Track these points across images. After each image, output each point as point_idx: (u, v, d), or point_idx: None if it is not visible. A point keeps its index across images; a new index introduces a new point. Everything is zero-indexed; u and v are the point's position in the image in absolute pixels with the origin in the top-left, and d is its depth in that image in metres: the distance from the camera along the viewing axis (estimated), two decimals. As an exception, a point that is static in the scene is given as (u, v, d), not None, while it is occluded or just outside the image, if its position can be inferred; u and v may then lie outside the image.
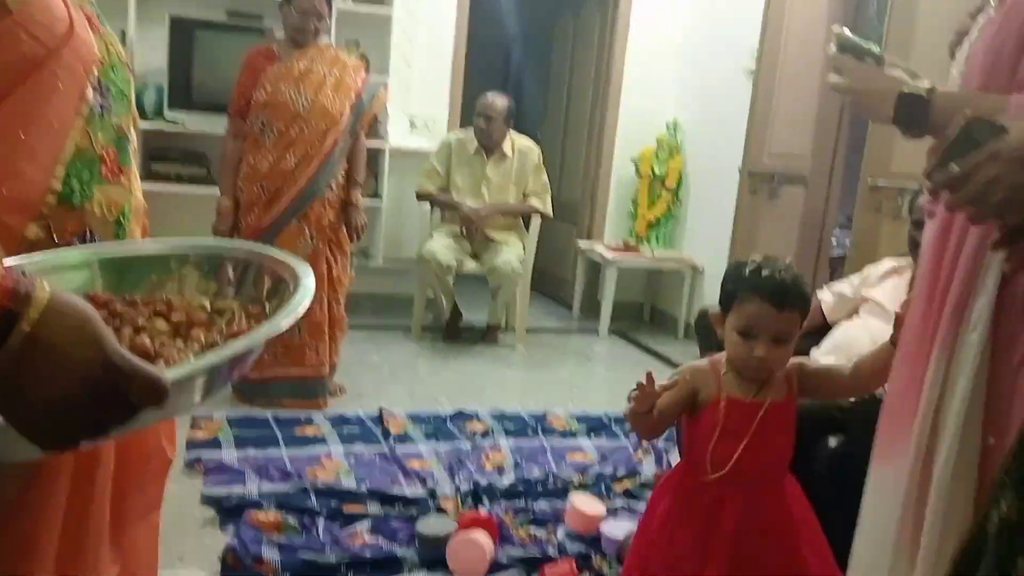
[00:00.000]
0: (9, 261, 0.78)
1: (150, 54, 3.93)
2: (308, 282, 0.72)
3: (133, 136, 1.17)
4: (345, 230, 3.03)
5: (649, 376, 1.42)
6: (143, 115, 3.91)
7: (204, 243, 0.92)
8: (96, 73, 1.05)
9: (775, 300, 1.40)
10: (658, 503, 1.57)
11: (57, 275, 0.82)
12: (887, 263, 2.36)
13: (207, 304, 0.79)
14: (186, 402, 0.61)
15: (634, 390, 1.43)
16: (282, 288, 0.76)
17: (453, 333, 4.20)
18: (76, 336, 0.48)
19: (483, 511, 2.21)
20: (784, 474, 1.53)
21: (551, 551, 2.06)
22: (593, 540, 2.13)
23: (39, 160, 0.95)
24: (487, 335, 4.23)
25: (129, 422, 0.52)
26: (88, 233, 1.02)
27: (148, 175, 3.92)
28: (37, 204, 0.96)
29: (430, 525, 2.09)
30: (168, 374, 0.53)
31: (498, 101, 4.05)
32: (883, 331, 1.50)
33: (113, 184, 1.07)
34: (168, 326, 0.73)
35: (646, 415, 1.43)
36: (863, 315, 2.28)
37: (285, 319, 0.66)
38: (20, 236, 0.94)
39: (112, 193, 1.06)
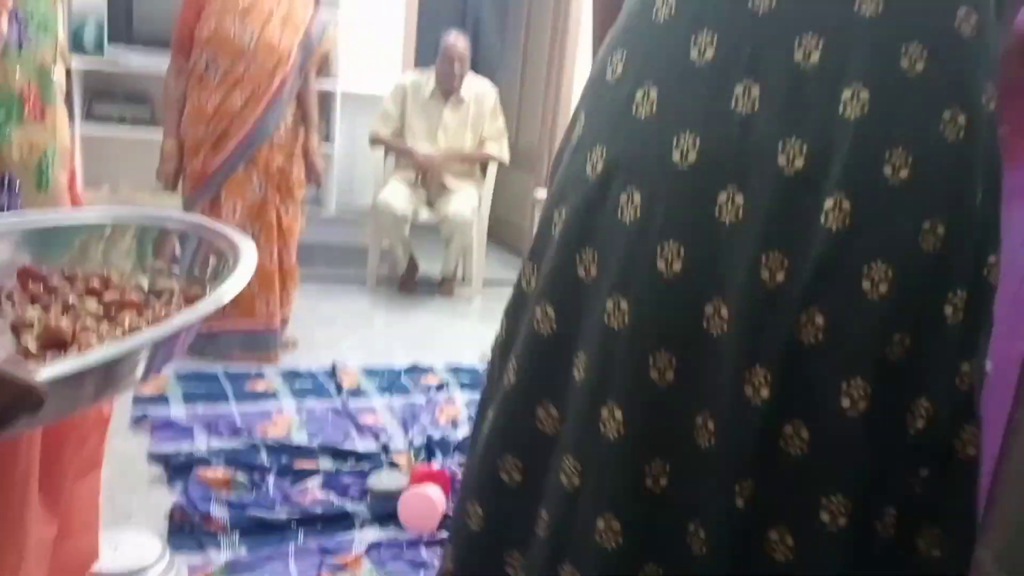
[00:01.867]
0: None
1: (87, -15, 3.71)
2: (243, 268, 0.65)
3: (60, 72, 1.07)
4: (295, 176, 2.92)
5: None
6: (82, 51, 3.70)
7: (142, 213, 0.83)
8: (11, 4, 0.95)
9: None
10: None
11: None
12: None
13: (144, 284, 0.72)
14: (82, 398, 0.52)
15: None
16: (223, 267, 0.69)
17: (409, 285, 4.13)
18: None
19: (435, 465, 2.19)
20: None
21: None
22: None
23: (-55, 97, 0.87)
24: (442, 287, 4.17)
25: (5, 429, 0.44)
26: (6, 178, 0.93)
27: (88, 116, 3.74)
28: (-55, 147, 0.87)
29: (382, 480, 2.06)
30: (44, 373, 0.44)
31: (461, 42, 3.91)
32: None
33: (35, 123, 0.99)
34: (98, 306, 0.66)
35: None
36: None
37: (206, 306, 0.58)
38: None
39: (33, 135, 0.97)
